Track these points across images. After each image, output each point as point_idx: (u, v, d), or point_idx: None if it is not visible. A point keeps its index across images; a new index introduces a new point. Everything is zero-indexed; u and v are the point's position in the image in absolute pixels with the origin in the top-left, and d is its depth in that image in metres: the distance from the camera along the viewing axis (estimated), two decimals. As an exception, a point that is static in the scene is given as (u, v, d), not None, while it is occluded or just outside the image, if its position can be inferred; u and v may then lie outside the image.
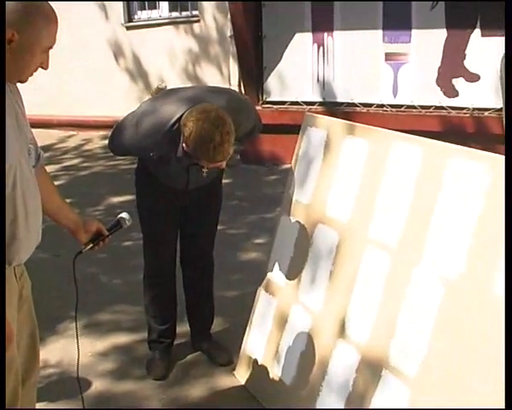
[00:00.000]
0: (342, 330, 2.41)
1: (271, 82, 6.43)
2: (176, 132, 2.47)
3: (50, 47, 1.80)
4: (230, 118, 2.40)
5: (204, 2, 7.61)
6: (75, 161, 7.30)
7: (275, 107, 6.21)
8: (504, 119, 3.27)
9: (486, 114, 5.56)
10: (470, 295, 1.97)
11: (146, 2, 8.20)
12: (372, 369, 2.25)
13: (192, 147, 2.39)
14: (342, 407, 2.34)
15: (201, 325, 3.17)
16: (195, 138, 2.36)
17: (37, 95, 8.06)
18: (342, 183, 2.56)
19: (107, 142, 2.83)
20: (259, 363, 2.83)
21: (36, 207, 1.91)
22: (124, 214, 2.30)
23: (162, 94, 2.70)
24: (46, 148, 7.31)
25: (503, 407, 1.66)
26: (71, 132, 8.53)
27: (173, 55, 7.94)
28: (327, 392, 2.43)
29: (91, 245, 2.21)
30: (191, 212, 2.92)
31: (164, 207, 2.86)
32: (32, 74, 1.82)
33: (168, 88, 2.87)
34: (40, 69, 1.84)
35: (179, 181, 2.78)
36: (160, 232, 2.92)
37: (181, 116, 2.46)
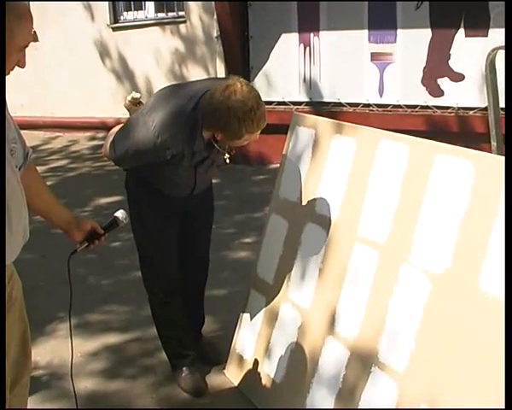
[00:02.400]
0: (332, 327, 2.44)
1: (258, 82, 6.44)
2: (192, 124, 2.36)
3: (26, 46, 1.79)
4: None
5: (190, 3, 7.61)
6: (62, 163, 7.26)
7: (262, 107, 6.22)
8: (491, 118, 3.31)
9: (471, 113, 5.62)
10: (457, 290, 2.00)
11: (132, 4, 8.18)
12: (361, 365, 2.28)
13: (234, 126, 2.27)
14: (332, 404, 2.37)
15: (193, 327, 3.09)
16: (236, 114, 2.24)
17: (22, 96, 8.04)
18: (330, 181, 2.58)
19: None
20: (250, 361, 2.85)
21: (19, 207, 1.89)
22: (120, 212, 2.26)
23: (165, 90, 2.55)
24: (31, 149, 7.26)
25: (498, 405, 1.70)
26: (57, 134, 8.48)
27: (159, 56, 7.92)
28: (317, 388, 2.45)
29: (86, 244, 2.17)
30: (190, 217, 2.82)
31: (166, 222, 2.73)
32: (8, 73, 1.80)
33: (160, 89, 2.76)
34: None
35: (186, 186, 2.69)
36: (167, 246, 2.77)
37: (195, 106, 2.36)
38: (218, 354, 3.11)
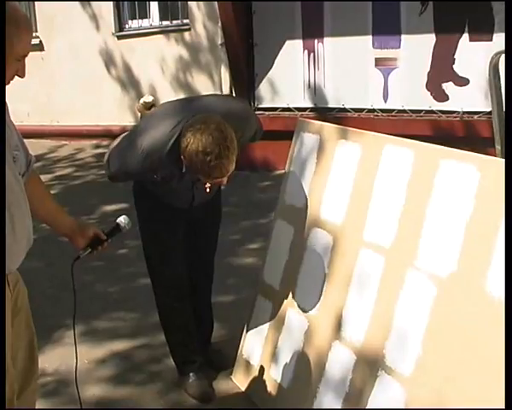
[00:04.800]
0: (338, 332, 2.44)
1: (263, 89, 6.47)
2: (179, 148, 2.33)
3: (25, 55, 1.80)
4: (232, 130, 2.28)
5: (195, 11, 7.65)
6: (67, 171, 7.29)
7: (266, 113, 6.24)
8: (495, 122, 3.31)
9: (476, 117, 5.61)
10: (463, 293, 2.00)
11: (137, 12, 8.22)
12: (368, 369, 2.28)
13: (188, 159, 2.27)
14: (339, 407, 2.37)
15: (202, 336, 3.08)
16: (191, 150, 2.23)
17: (28, 105, 8.11)
18: (336, 186, 2.59)
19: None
20: (257, 367, 2.85)
21: (23, 214, 1.90)
22: (122, 218, 2.27)
23: (159, 109, 2.56)
24: (38, 158, 7.26)
25: (501, 406, 1.69)
26: (63, 142, 8.52)
27: (164, 64, 7.96)
28: (324, 393, 2.45)
29: (89, 250, 2.18)
30: (194, 226, 2.83)
31: (171, 228, 2.74)
32: (8, 83, 1.81)
33: (161, 101, 2.79)
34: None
35: (184, 200, 2.69)
36: (173, 255, 2.78)
37: (181, 131, 2.33)
38: (224, 359, 3.11)
